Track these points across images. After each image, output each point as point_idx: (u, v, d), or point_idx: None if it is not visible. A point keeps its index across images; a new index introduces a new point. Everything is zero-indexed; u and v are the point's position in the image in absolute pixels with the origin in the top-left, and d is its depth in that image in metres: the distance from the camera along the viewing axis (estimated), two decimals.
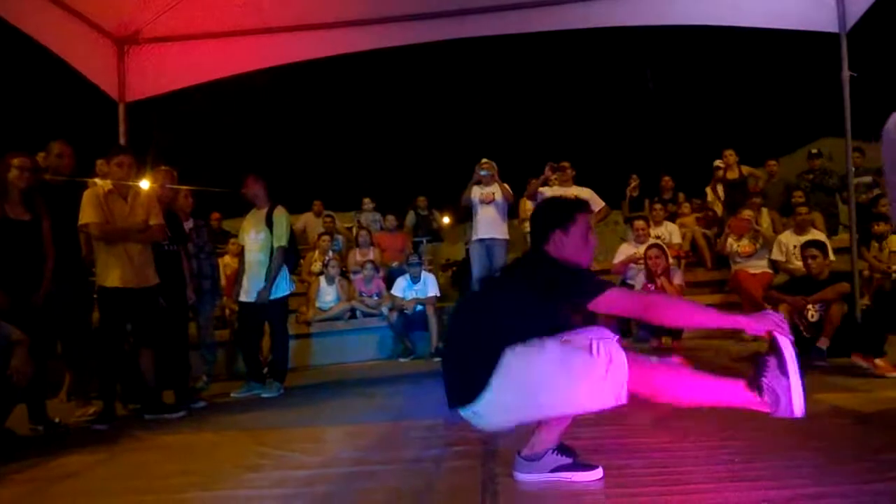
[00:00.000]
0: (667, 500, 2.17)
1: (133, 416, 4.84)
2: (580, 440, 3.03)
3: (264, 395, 5.42)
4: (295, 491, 2.62)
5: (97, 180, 5.29)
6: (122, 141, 6.38)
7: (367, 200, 10.74)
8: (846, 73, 5.89)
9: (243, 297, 5.63)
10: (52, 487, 2.99)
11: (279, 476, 2.85)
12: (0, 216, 4.27)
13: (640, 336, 7.21)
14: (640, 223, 7.67)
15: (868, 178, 8.56)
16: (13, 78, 15.32)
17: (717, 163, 9.72)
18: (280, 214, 5.57)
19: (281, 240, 5.50)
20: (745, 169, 9.20)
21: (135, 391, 5.05)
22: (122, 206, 4.66)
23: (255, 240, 5.58)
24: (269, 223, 5.53)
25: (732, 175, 9.20)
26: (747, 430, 3.01)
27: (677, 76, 22.12)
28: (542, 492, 2.37)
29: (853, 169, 6.62)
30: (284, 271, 5.68)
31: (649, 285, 6.51)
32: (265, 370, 5.83)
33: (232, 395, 5.54)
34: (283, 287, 5.64)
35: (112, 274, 4.54)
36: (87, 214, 4.51)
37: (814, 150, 9.32)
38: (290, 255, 5.73)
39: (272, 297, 5.50)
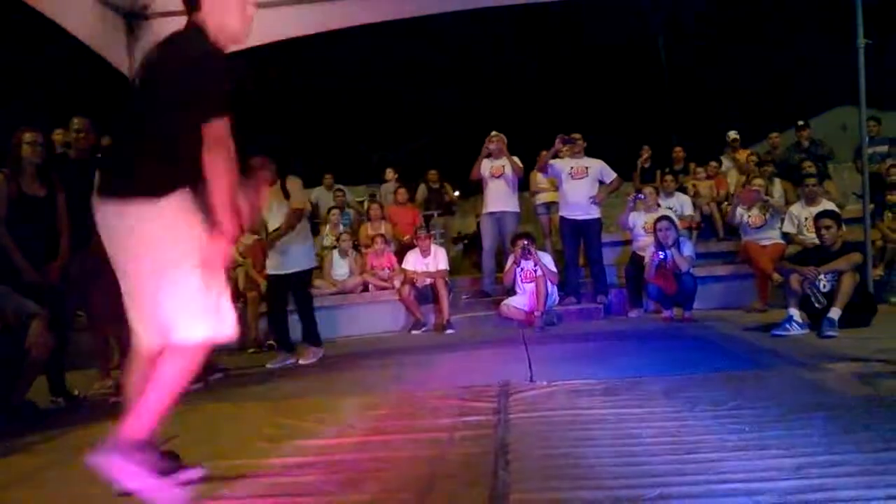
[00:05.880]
0: (678, 469, 2.19)
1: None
2: (593, 410, 3.08)
3: (302, 362, 5.54)
4: (310, 460, 2.66)
5: None
6: None
7: (389, 171, 10.75)
8: (861, 41, 5.80)
9: (272, 270, 5.69)
10: (75, 458, 3.04)
11: (295, 446, 2.89)
12: (16, 192, 4.31)
13: (649, 308, 7.23)
14: (648, 189, 7.68)
15: (884, 147, 8.45)
16: (28, 54, 15.28)
17: (731, 134, 9.65)
18: (294, 183, 5.63)
19: (297, 203, 5.57)
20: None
21: None
22: None
23: (277, 214, 5.60)
24: (286, 195, 5.58)
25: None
26: (756, 400, 3.03)
27: (689, 45, 21.84)
28: (555, 462, 2.40)
29: (867, 138, 6.56)
30: (310, 244, 5.87)
31: (658, 254, 6.50)
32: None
33: (267, 365, 5.61)
34: (310, 259, 5.85)
35: None
36: None
37: (800, 122, 9.19)
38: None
39: (300, 269, 5.63)
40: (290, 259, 5.59)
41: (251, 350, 6.95)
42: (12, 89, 15.06)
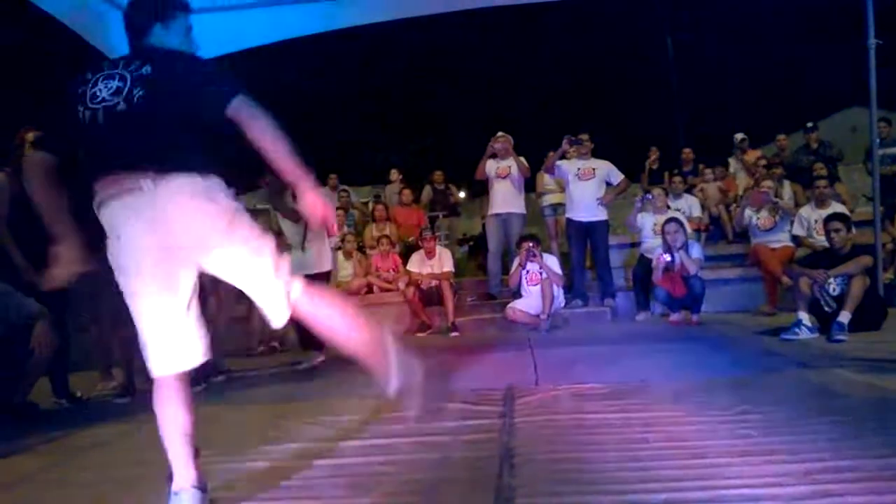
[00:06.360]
0: (685, 474, 2.17)
1: (153, 391, 4.89)
2: (599, 414, 3.05)
3: (302, 367, 5.42)
4: (312, 462, 2.64)
5: None
6: None
7: (394, 172, 10.74)
8: (872, 41, 5.75)
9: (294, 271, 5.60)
10: (77, 458, 3.05)
11: (297, 448, 2.88)
12: (18, 192, 4.30)
13: (657, 311, 7.18)
14: (657, 190, 7.65)
15: (895, 149, 8.38)
16: (30, 52, 15.32)
17: (738, 135, 9.58)
18: None
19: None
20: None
21: None
22: None
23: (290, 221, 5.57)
24: (295, 199, 5.55)
25: None
26: (765, 405, 3.00)
27: (697, 46, 21.74)
28: (561, 466, 2.37)
29: (878, 139, 6.50)
30: (326, 247, 5.79)
31: (664, 256, 6.45)
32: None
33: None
34: (327, 261, 5.77)
35: None
36: None
37: (809, 124, 9.13)
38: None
39: (318, 271, 5.53)
40: (308, 260, 5.53)
41: (260, 350, 6.93)
42: (15, 88, 15.12)
